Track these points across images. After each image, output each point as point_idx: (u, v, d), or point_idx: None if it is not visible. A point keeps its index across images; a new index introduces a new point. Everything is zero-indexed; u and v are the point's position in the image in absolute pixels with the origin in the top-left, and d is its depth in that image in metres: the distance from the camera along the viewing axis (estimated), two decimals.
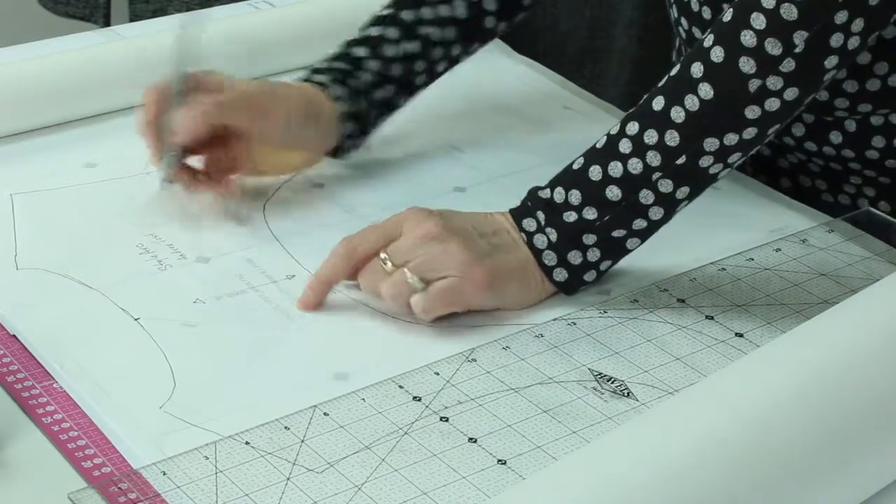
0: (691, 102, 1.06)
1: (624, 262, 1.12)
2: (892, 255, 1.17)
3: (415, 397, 1.00)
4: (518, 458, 0.95)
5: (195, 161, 1.20)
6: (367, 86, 1.24)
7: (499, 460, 0.94)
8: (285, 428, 0.96)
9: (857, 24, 1.04)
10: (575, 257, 1.09)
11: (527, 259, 1.09)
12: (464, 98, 1.39)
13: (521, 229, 1.09)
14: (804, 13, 1.03)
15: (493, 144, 1.30)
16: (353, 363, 1.04)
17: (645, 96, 1.09)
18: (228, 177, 1.20)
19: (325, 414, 0.97)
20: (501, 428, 0.97)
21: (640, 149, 1.07)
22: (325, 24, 1.43)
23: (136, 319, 1.07)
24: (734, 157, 1.08)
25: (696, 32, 1.24)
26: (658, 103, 1.07)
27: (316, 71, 1.24)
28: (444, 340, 1.06)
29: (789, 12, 1.03)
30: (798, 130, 1.25)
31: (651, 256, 1.14)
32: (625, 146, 1.08)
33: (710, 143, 1.06)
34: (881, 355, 0.90)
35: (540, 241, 1.09)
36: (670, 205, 1.08)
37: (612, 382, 1.02)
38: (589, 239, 1.08)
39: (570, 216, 1.08)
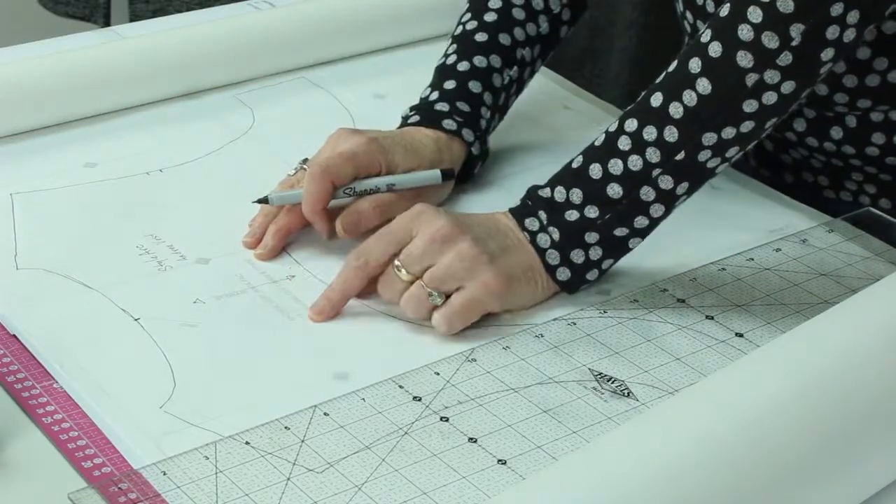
0: (689, 98, 1.06)
1: (624, 262, 1.12)
2: (892, 255, 1.17)
3: (415, 397, 0.99)
4: (518, 458, 0.95)
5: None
6: (487, 122, 1.24)
7: (499, 460, 0.94)
8: (285, 428, 0.96)
9: (853, 16, 1.04)
10: (578, 256, 1.09)
11: (532, 260, 1.09)
12: None
13: (524, 228, 1.09)
14: (800, 6, 1.03)
15: (494, 144, 1.30)
16: (353, 363, 1.04)
17: (643, 93, 1.09)
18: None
19: (325, 414, 0.97)
20: (501, 428, 0.97)
21: (639, 146, 1.07)
22: (325, 24, 1.43)
23: (136, 319, 1.07)
24: (732, 152, 1.08)
25: (701, 26, 1.24)
26: (656, 100, 1.07)
27: (441, 114, 1.21)
28: (444, 340, 1.06)
29: (785, 5, 1.03)
30: (799, 126, 1.25)
31: (651, 256, 1.15)
32: (624, 143, 1.08)
33: (709, 138, 1.06)
34: (881, 355, 0.90)
35: (543, 240, 1.09)
36: (670, 201, 1.08)
37: (612, 382, 1.02)
38: (591, 237, 1.09)
39: (572, 215, 1.08)
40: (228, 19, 1.42)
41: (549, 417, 0.98)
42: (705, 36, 1.07)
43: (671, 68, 1.08)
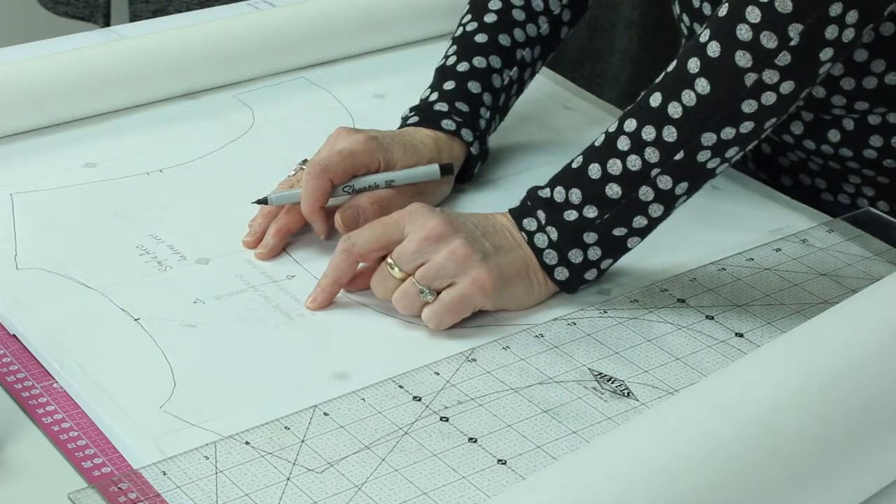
0: (688, 98, 1.06)
1: (624, 262, 1.12)
2: (892, 255, 1.17)
3: (415, 397, 1.00)
4: (518, 458, 0.95)
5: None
6: (486, 122, 1.24)
7: (499, 460, 0.94)
8: (285, 428, 0.96)
9: (852, 16, 1.04)
10: (576, 256, 1.09)
11: (528, 259, 1.09)
12: None
13: (522, 229, 1.10)
14: (798, 6, 1.03)
15: (493, 144, 1.30)
16: (353, 363, 1.04)
17: (643, 93, 1.09)
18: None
19: (325, 414, 0.97)
20: (501, 428, 0.97)
21: (638, 146, 1.07)
22: (325, 24, 1.43)
23: (136, 319, 1.07)
24: (732, 152, 1.08)
25: (698, 28, 1.24)
26: (655, 100, 1.07)
27: (440, 115, 1.22)
28: (444, 340, 1.06)
29: (784, 5, 1.03)
30: (797, 128, 1.25)
31: (651, 256, 1.15)
32: (623, 143, 1.08)
33: (708, 138, 1.06)
34: (881, 355, 0.90)
35: (541, 240, 1.09)
36: (670, 201, 1.08)
37: (612, 382, 1.02)
38: (590, 237, 1.09)
39: (571, 215, 1.08)
40: (228, 19, 1.42)
41: (549, 417, 0.98)
42: (704, 36, 1.07)
43: (670, 68, 1.08)
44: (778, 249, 1.17)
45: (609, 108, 1.40)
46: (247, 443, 0.94)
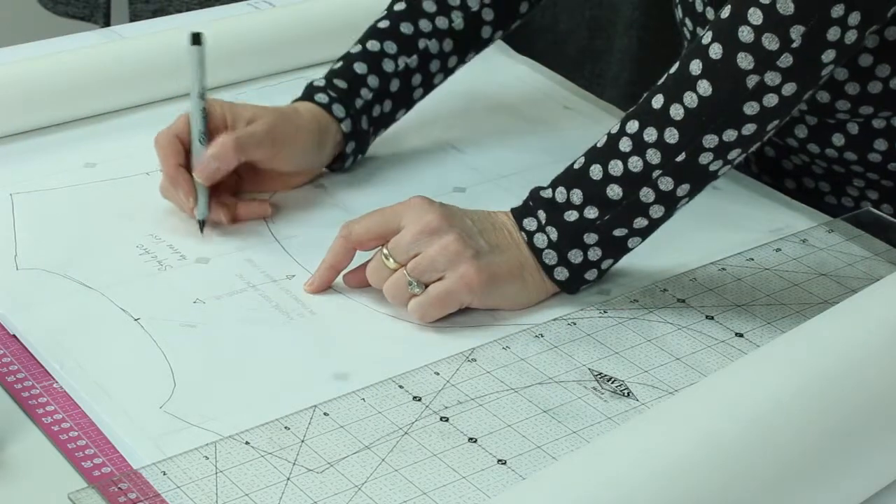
0: (690, 100, 1.06)
1: (624, 262, 1.12)
2: (892, 255, 1.17)
3: (415, 397, 1.00)
4: (518, 458, 0.95)
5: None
6: (367, 104, 1.24)
7: (499, 460, 0.94)
8: (285, 428, 0.96)
9: (854, 18, 1.04)
10: (576, 256, 1.09)
11: (525, 259, 1.09)
12: (464, 98, 1.39)
13: (522, 228, 1.10)
14: (800, 8, 1.03)
15: (493, 144, 1.30)
16: (353, 363, 1.04)
17: (645, 95, 1.09)
18: (265, 201, 1.20)
19: (325, 414, 0.97)
20: (501, 428, 0.97)
21: (640, 147, 1.07)
22: (325, 24, 1.43)
23: (136, 319, 1.07)
24: (734, 154, 1.08)
25: (700, 32, 1.24)
26: (657, 101, 1.07)
27: (316, 89, 1.24)
28: (444, 340, 1.06)
29: (786, 7, 1.03)
30: (801, 132, 1.25)
31: (651, 256, 1.15)
32: (625, 145, 1.08)
33: (710, 140, 1.06)
34: (881, 355, 0.90)
35: (540, 240, 1.09)
36: (671, 202, 1.08)
37: (612, 382, 1.02)
38: (590, 238, 1.09)
39: (572, 215, 1.08)
40: (228, 19, 1.42)
41: (549, 417, 0.98)
42: (706, 38, 1.07)
43: (672, 70, 1.08)
44: (778, 249, 1.17)
45: (609, 108, 1.40)
46: (247, 443, 0.94)
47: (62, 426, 0.97)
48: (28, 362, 1.02)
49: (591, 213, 1.08)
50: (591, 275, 1.10)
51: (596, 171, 1.08)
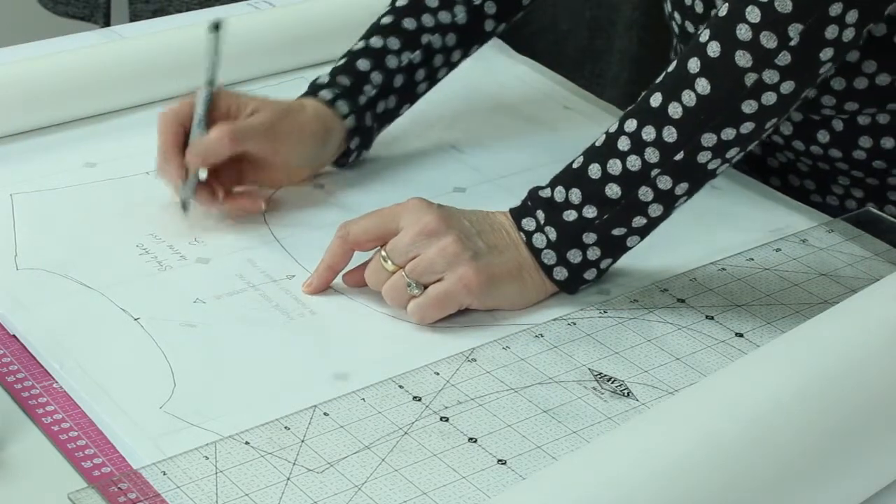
0: (688, 98, 1.06)
1: (624, 262, 1.12)
2: (892, 255, 1.17)
3: (415, 397, 0.99)
4: (518, 458, 0.95)
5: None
6: (371, 100, 1.24)
7: (499, 460, 0.94)
8: (285, 428, 0.96)
9: (852, 16, 1.04)
10: (575, 256, 1.09)
11: (523, 260, 1.09)
12: (464, 98, 1.39)
13: (521, 229, 1.10)
14: (798, 6, 1.03)
15: (493, 144, 1.30)
16: (353, 363, 1.04)
17: (643, 93, 1.09)
18: (252, 192, 1.21)
19: (325, 414, 0.97)
20: (501, 428, 0.97)
21: (638, 146, 1.07)
22: (325, 24, 1.43)
23: (136, 319, 1.07)
24: (732, 153, 1.08)
25: (689, 27, 1.24)
26: (656, 100, 1.07)
27: (321, 86, 1.24)
28: (444, 340, 1.06)
29: (784, 5, 1.03)
30: (786, 129, 1.25)
31: (651, 256, 1.15)
32: (623, 144, 1.08)
33: (708, 139, 1.06)
34: (881, 355, 0.90)
35: (539, 240, 1.09)
36: (669, 201, 1.08)
37: (612, 382, 1.02)
38: (589, 238, 1.09)
39: (570, 215, 1.08)
40: (228, 19, 1.41)
41: (549, 417, 0.98)
42: (704, 36, 1.07)
43: (670, 69, 1.08)
44: (778, 249, 1.17)
45: (609, 108, 1.40)
46: (247, 443, 0.94)
47: (62, 426, 0.97)
48: (28, 362, 1.02)
49: (590, 212, 1.08)
50: (590, 274, 1.10)
51: (595, 170, 1.08)
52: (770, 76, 1.05)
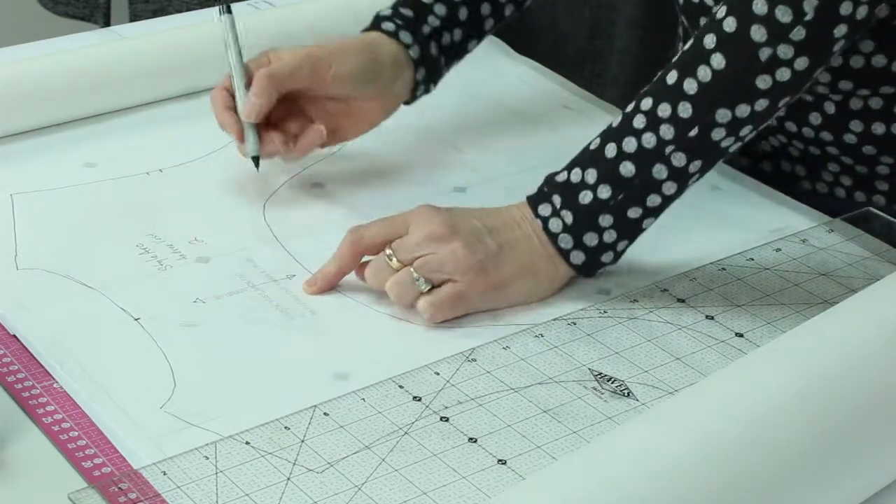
0: (704, 73, 1.07)
1: (624, 262, 1.12)
2: (892, 255, 1.17)
3: (415, 397, 1.00)
4: (518, 458, 0.95)
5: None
6: (435, 30, 1.25)
7: (499, 460, 0.94)
8: (285, 428, 0.96)
9: None
10: (591, 239, 1.09)
11: (536, 252, 1.09)
12: (464, 98, 1.39)
13: (538, 215, 1.10)
14: None
15: (493, 144, 1.30)
16: (353, 363, 1.04)
17: (660, 72, 1.09)
18: (312, 127, 1.21)
19: (325, 414, 0.97)
20: (501, 428, 0.97)
21: (653, 123, 1.08)
22: (325, 24, 1.43)
23: (136, 319, 1.07)
24: (745, 131, 1.08)
25: (694, 24, 1.24)
26: (672, 77, 1.08)
27: (383, 18, 1.25)
28: (444, 340, 1.06)
29: None
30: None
31: (651, 256, 1.15)
32: (639, 122, 1.08)
33: (723, 115, 1.07)
34: (881, 355, 0.90)
35: (555, 224, 1.09)
36: (683, 179, 1.09)
37: (612, 382, 1.02)
38: (605, 220, 1.09)
39: (586, 196, 1.08)
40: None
41: (549, 417, 0.98)
42: (721, 12, 1.07)
43: (687, 46, 1.09)
44: (778, 249, 1.17)
45: (609, 108, 1.40)
46: (247, 443, 0.94)
47: (62, 426, 0.97)
48: (28, 362, 1.03)
49: (605, 192, 1.08)
50: (607, 257, 1.10)
51: (611, 150, 1.09)
52: (784, 51, 1.05)
